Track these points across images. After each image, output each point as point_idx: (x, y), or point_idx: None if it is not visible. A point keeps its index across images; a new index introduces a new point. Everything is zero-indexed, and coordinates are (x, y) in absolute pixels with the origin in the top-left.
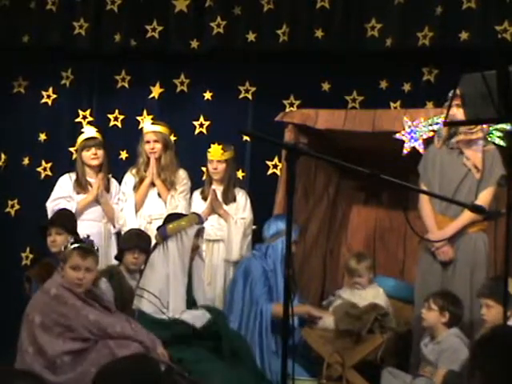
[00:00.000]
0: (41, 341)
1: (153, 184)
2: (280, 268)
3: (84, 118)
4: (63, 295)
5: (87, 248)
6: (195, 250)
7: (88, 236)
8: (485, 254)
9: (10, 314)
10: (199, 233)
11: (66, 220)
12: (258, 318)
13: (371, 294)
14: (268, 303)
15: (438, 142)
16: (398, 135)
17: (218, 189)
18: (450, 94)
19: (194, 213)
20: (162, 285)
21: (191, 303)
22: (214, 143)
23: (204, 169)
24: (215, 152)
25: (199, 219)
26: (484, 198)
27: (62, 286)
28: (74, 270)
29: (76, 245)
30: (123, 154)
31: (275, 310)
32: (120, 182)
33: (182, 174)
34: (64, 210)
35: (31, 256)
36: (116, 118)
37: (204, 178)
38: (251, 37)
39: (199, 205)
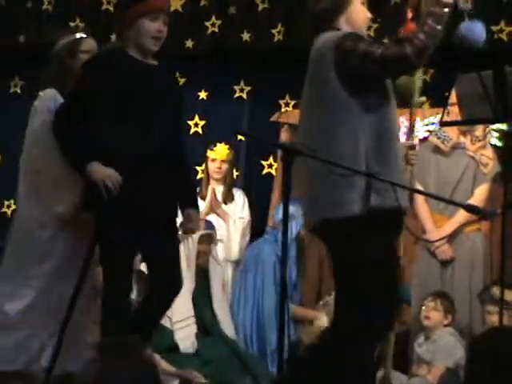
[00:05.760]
0: None
1: None
2: (292, 253)
3: None
4: None
5: None
6: (204, 255)
7: None
8: (482, 253)
9: None
10: (210, 239)
11: None
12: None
13: None
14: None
15: (445, 146)
16: None
17: (218, 188)
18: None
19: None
20: None
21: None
22: (220, 142)
23: (199, 168)
24: (221, 151)
25: (207, 224)
26: (479, 194)
27: None
28: None
29: None
30: None
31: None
32: None
33: None
34: None
35: None
36: None
37: (198, 177)
38: (246, 36)
39: None
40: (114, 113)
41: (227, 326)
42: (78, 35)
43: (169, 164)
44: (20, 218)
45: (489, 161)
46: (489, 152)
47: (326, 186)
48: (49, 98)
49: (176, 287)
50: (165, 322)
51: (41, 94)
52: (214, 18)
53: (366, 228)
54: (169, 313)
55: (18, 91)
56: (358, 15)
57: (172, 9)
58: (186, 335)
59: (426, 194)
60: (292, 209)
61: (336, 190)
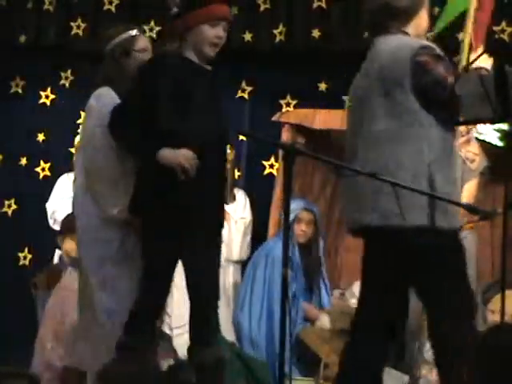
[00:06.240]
0: None
1: None
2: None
3: None
4: None
5: None
6: None
7: None
8: (474, 252)
9: (7, 314)
10: None
11: None
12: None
13: None
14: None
15: None
16: None
17: None
18: None
19: None
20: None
21: None
22: None
23: None
24: None
25: None
26: (469, 190)
27: None
28: None
29: None
30: None
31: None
32: None
33: None
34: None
35: (30, 256)
36: None
37: None
38: (248, 36)
39: None
40: (172, 115)
41: (227, 329)
42: (131, 32)
43: (221, 167)
44: (78, 219)
45: (475, 156)
46: (474, 147)
47: (386, 193)
48: (107, 98)
49: (210, 295)
50: (164, 327)
51: (96, 92)
52: None
53: (425, 241)
54: (167, 319)
55: (19, 91)
56: (424, 22)
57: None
58: (185, 341)
59: (427, 194)
60: (293, 205)
61: (395, 197)
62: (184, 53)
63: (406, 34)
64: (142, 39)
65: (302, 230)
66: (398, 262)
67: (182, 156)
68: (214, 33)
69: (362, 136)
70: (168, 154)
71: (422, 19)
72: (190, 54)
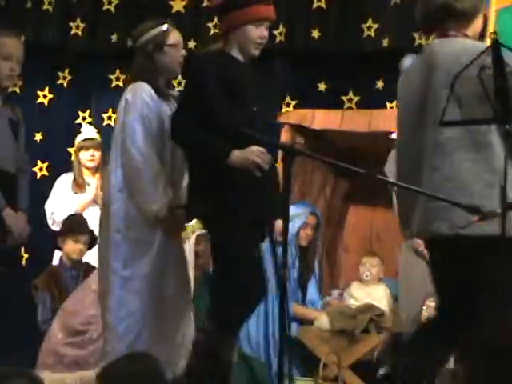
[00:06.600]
0: None
1: None
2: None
3: (84, 118)
4: None
5: None
6: (204, 255)
7: None
8: None
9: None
10: (208, 239)
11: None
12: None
13: (378, 293)
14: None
15: None
16: (394, 135)
17: None
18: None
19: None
20: None
21: None
22: None
23: None
24: None
25: None
26: None
27: None
28: None
29: None
30: None
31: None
32: None
33: None
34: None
35: (26, 256)
36: (110, 117)
37: None
38: None
39: None
40: (232, 114)
41: None
42: (163, 27)
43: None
44: (110, 218)
45: None
46: None
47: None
48: (144, 92)
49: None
50: None
51: (131, 87)
52: (216, 19)
53: (495, 249)
54: None
55: (17, 91)
56: (480, 25)
57: (174, 10)
58: None
59: (425, 193)
60: (293, 209)
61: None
62: (229, 52)
63: (466, 36)
64: (173, 34)
65: (307, 234)
66: (464, 269)
67: (252, 153)
68: (258, 33)
69: (424, 142)
70: (239, 155)
71: (479, 21)
72: (235, 53)
